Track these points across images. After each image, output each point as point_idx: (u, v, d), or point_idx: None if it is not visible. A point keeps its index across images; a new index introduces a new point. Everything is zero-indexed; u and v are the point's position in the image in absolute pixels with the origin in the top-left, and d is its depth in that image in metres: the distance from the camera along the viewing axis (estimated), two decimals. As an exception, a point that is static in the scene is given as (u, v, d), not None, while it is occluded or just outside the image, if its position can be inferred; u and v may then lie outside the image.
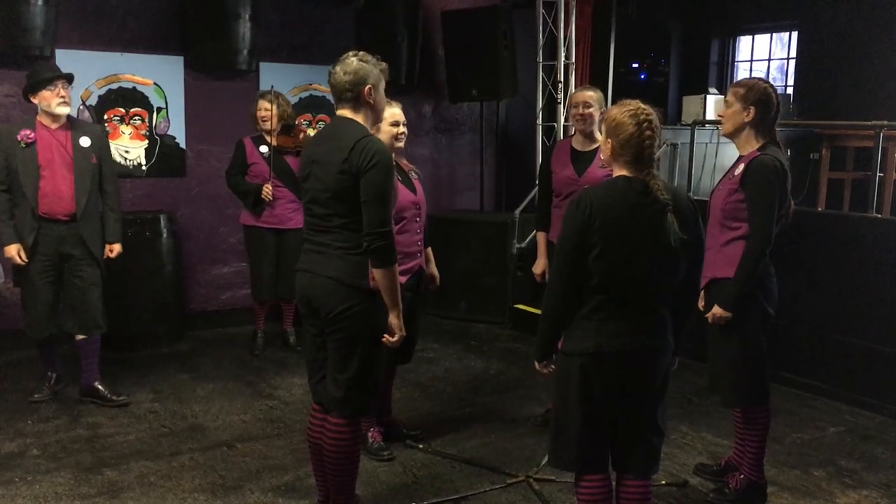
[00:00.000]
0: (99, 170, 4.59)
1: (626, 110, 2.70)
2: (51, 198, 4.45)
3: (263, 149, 5.50)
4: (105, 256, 4.68)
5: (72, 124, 4.57)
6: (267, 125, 5.43)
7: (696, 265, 2.84)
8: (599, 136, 4.34)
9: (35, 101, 4.47)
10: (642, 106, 2.70)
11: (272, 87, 5.49)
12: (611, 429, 2.82)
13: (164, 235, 5.87)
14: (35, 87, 4.43)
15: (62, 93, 4.43)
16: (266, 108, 5.43)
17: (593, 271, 2.67)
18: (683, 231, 2.67)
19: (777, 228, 3.39)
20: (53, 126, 4.48)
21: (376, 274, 2.98)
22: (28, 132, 4.44)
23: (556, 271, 2.76)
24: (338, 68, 3.05)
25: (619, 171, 2.75)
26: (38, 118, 4.50)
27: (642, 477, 2.85)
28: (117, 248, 4.72)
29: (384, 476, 3.86)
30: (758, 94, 3.41)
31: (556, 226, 4.38)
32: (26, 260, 4.48)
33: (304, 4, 6.66)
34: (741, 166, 3.42)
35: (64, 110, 4.46)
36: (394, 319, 3.09)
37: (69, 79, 4.54)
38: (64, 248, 4.51)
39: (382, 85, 3.11)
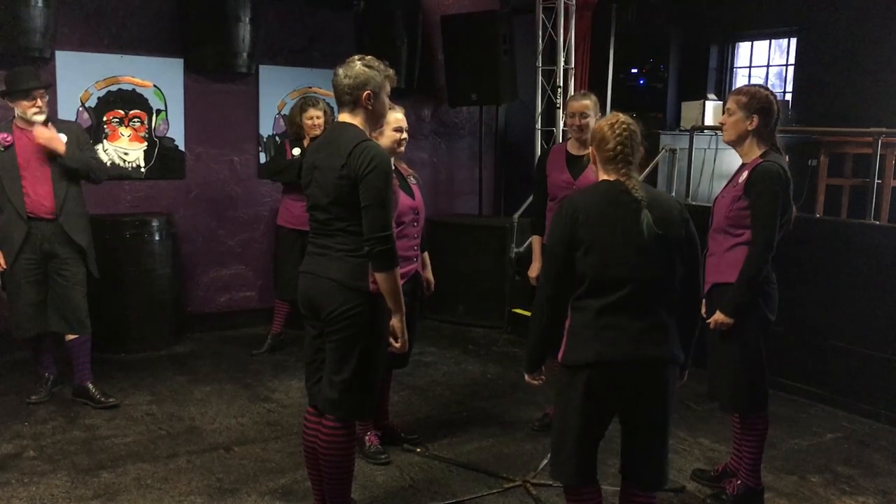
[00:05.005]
0: None
1: (605, 119, 2.86)
2: (33, 198, 4.48)
3: (296, 151, 5.51)
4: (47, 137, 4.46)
5: (48, 123, 4.56)
6: (316, 132, 5.34)
7: (694, 268, 2.84)
8: None
9: (12, 105, 4.50)
10: (622, 116, 2.84)
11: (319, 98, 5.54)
12: (622, 435, 2.82)
13: (163, 238, 5.87)
14: (13, 94, 4.45)
15: (39, 103, 4.46)
16: (317, 116, 5.42)
17: (584, 270, 2.69)
18: (664, 228, 2.69)
19: (780, 235, 3.40)
20: (30, 128, 4.49)
21: (378, 278, 2.98)
22: (5, 136, 4.47)
23: (545, 275, 2.81)
24: (341, 71, 3.05)
25: (601, 176, 2.85)
26: (14, 121, 4.52)
27: (651, 490, 2.85)
28: (57, 136, 4.48)
29: (381, 480, 3.85)
30: (760, 102, 3.42)
31: None
32: (5, 266, 4.51)
33: (304, 8, 6.67)
34: (745, 173, 3.42)
35: (40, 118, 4.48)
36: (396, 323, 3.09)
37: (47, 87, 4.58)
38: (48, 246, 4.53)
39: (385, 92, 3.10)
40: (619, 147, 2.76)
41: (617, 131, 2.77)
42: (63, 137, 4.55)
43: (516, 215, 6.84)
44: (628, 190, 2.73)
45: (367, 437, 4.06)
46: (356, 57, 3.10)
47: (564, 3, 6.77)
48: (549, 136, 7.09)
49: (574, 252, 2.71)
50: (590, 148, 2.90)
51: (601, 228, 2.69)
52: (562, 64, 6.85)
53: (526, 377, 2.97)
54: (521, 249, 6.70)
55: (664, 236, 2.69)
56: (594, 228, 2.69)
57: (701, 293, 2.95)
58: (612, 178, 2.79)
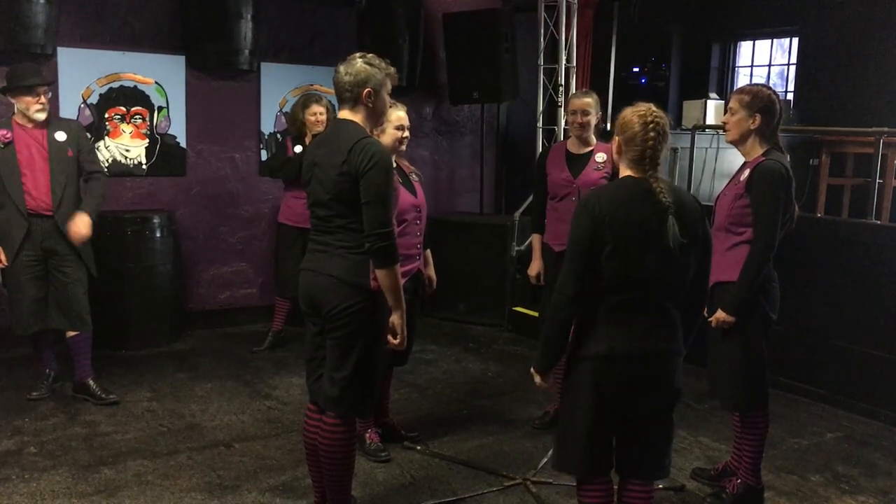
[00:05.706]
0: (76, 162, 4.60)
1: (637, 111, 2.74)
2: (34, 195, 4.48)
3: (298, 148, 5.50)
4: (74, 229, 4.46)
5: (48, 120, 4.57)
6: (318, 128, 5.34)
7: (704, 266, 2.84)
8: (595, 140, 4.41)
9: (13, 101, 4.50)
10: (654, 109, 2.74)
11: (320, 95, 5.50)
12: (620, 432, 2.81)
13: (164, 235, 5.87)
14: (16, 90, 4.45)
15: (42, 100, 4.47)
16: (321, 112, 5.42)
17: (606, 270, 2.67)
18: (687, 234, 2.68)
19: (781, 234, 3.40)
20: (30, 125, 4.50)
21: (378, 274, 2.99)
22: (5, 132, 4.47)
23: (567, 273, 2.73)
24: (342, 68, 3.06)
25: (624, 171, 2.79)
26: (13, 117, 4.53)
27: (648, 480, 2.86)
28: (83, 218, 4.48)
29: (381, 477, 3.86)
30: (763, 101, 3.42)
31: (550, 228, 4.40)
32: (6, 263, 4.51)
33: (306, 5, 6.66)
34: (747, 171, 3.43)
35: (42, 116, 4.48)
36: (396, 319, 3.09)
37: (49, 84, 4.60)
38: (48, 243, 4.54)
39: (386, 90, 3.11)
40: (648, 151, 2.69)
41: (651, 134, 2.67)
42: (62, 136, 4.56)
43: (517, 213, 6.84)
44: (654, 191, 2.67)
45: (367, 435, 4.06)
46: (357, 54, 3.11)
47: (566, 1, 6.77)
48: (550, 135, 7.09)
49: (598, 251, 2.66)
50: (615, 137, 2.80)
51: (626, 231, 2.65)
52: (563, 62, 6.84)
53: (537, 380, 2.90)
54: (522, 248, 6.69)
55: (686, 243, 2.68)
56: (620, 230, 2.64)
57: (707, 292, 2.94)
58: (636, 175, 2.74)
